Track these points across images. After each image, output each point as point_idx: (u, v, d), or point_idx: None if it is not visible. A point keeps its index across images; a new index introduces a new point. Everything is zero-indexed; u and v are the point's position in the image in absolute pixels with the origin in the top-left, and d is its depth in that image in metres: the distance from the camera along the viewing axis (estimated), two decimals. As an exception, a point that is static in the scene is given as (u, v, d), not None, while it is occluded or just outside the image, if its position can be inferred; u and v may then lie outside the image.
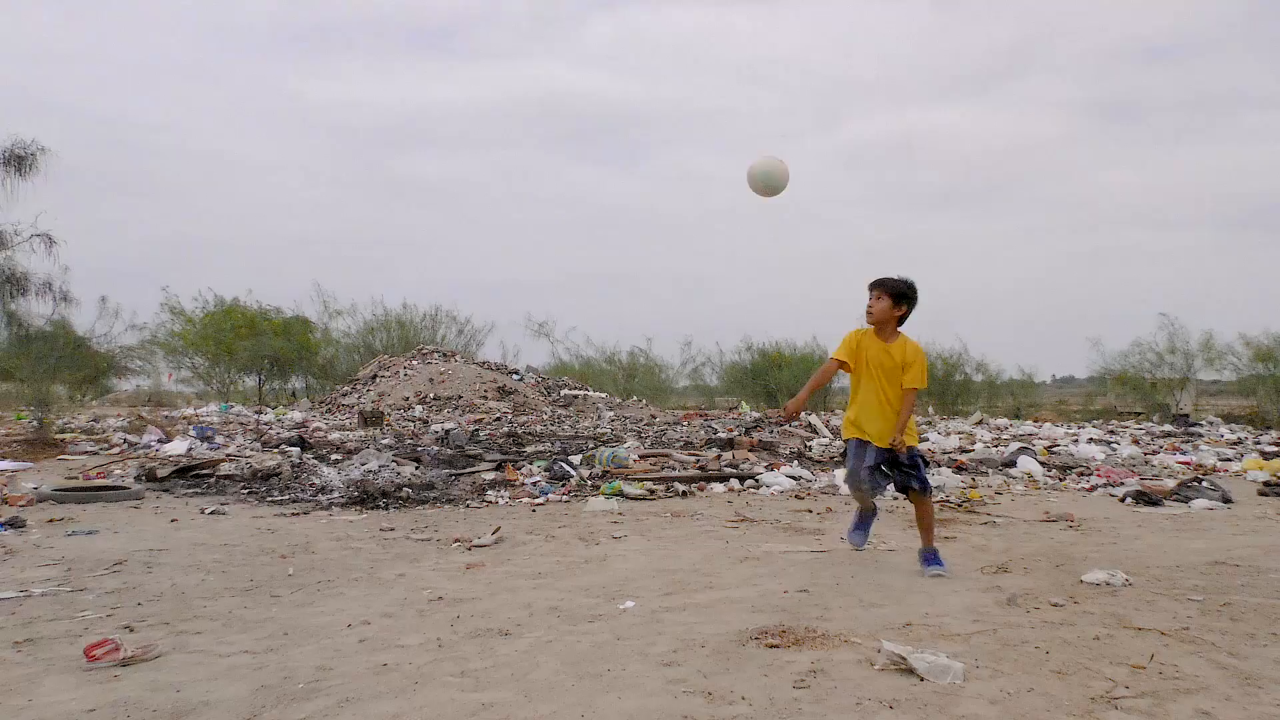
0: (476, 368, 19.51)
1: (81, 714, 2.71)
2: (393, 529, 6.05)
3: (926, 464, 5.13)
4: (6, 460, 9.43)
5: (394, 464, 8.54)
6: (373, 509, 6.94)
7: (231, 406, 18.78)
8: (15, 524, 5.99)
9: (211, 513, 6.66)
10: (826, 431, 13.03)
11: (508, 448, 10.54)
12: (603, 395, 19.39)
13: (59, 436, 11.61)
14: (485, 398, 17.31)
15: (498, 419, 15.00)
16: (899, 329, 4.84)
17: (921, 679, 2.92)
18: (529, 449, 10.39)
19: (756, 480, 8.43)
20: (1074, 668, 3.08)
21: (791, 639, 3.38)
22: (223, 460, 9.32)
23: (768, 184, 5.27)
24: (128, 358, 20.46)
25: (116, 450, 10.89)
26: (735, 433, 11.97)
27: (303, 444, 10.84)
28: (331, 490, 7.54)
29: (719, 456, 9.73)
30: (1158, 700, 2.79)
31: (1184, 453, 11.82)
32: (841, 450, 11.03)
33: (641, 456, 9.61)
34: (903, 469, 4.78)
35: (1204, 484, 7.95)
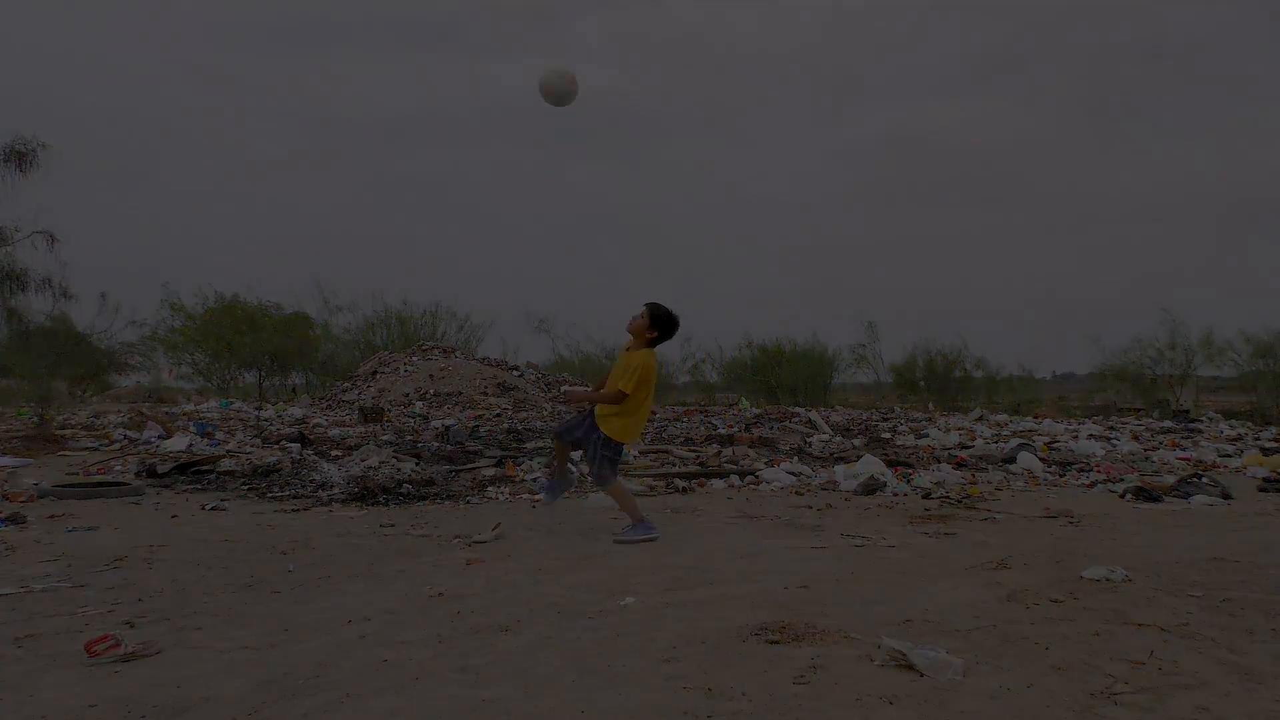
0: (477, 364, 19.52)
1: (82, 709, 2.72)
2: (393, 525, 6.06)
3: (611, 459, 5.50)
4: (7, 456, 9.43)
5: (394, 460, 8.53)
6: (373, 505, 6.94)
7: (232, 403, 18.80)
8: (16, 520, 6.00)
9: (212, 509, 6.67)
10: (826, 428, 13.03)
11: (508, 444, 10.54)
12: (603, 391, 19.36)
13: (59, 433, 11.62)
14: (485, 394, 17.32)
15: (498, 415, 15.01)
16: (649, 346, 5.48)
17: (921, 675, 2.92)
18: (529, 445, 10.39)
19: (757, 476, 8.43)
20: (1074, 663, 3.08)
21: (791, 635, 3.38)
22: (223, 456, 9.32)
23: (559, 98, 5.73)
24: (128, 354, 20.42)
25: (117, 446, 10.90)
26: (735, 429, 11.98)
27: (303, 440, 10.84)
28: (332, 486, 7.55)
29: (719, 453, 9.73)
30: (1157, 696, 2.79)
31: (1184, 449, 11.82)
32: (834, 448, 11.05)
33: (641, 453, 9.62)
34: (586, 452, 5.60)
35: (1204, 480, 7.94)
